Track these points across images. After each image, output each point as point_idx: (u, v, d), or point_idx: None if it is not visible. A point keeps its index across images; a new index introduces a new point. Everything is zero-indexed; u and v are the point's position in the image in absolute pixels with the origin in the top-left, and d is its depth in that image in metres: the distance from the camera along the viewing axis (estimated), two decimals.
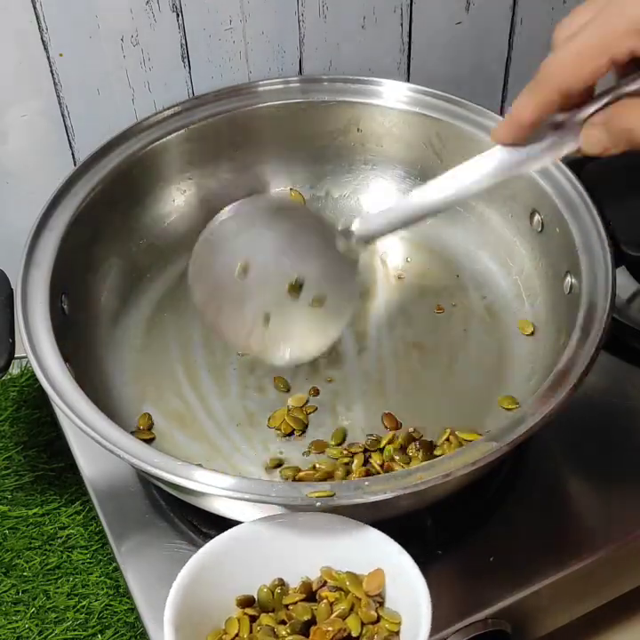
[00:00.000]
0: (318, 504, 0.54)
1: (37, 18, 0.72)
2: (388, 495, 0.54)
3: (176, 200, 0.80)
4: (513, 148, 0.53)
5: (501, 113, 0.84)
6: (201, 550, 0.56)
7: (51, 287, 0.66)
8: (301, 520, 0.56)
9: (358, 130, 0.81)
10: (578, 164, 0.79)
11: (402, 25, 0.87)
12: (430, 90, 0.78)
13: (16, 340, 0.64)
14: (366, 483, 0.55)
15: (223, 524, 0.65)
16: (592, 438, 0.71)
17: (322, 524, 0.56)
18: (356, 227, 0.61)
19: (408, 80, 0.91)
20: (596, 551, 0.65)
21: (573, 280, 0.68)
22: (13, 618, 0.72)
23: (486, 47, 0.92)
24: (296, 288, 0.64)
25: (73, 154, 0.81)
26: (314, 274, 0.64)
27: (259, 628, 0.55)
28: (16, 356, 0.64)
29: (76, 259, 0.71)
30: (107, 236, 0.75)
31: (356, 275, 0.64)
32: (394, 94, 0.79)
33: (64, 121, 0.79)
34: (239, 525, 0.57)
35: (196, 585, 0.54)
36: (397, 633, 0.54)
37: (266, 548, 0.57)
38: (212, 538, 0.60)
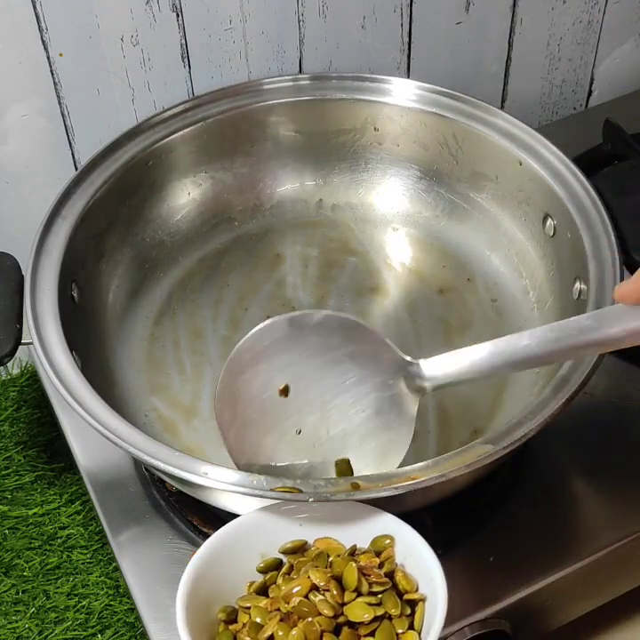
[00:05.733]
0: (311, 499, 0.54)
1: (37, 18, 0.72)
2: (380, 494, 0.54)
3: (191, 193, 0.80)
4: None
5: None
6: (216, 533, 0.55)
7: (61, 275, 0.66)
8: (315, 507, 0.56)
9: (375, 128, 0.81)
10: (591, 167, 0.79)
11: (402, 25, 0.86)
12: (447, 90, 0.78)
13: (23, 326, 0.64)
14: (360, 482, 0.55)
15: (223, 523, 0.65)
16: (592, 438, 0.71)
17: (340, 510, 0.55)
18: (426, 367, 0.56)
19: None
20: (596, 551, 0.65)
21: (582, 286, 0.67)
22: (13, 618, 0.72)
23: (486, 47, 0.92)
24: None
25: (73, 154, 0.81)
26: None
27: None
28: (23, 341, 0.63)
29: (88, 247, 0.71)
30: (120, 227, 0.75)
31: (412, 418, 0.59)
32: (406, 93, 0.79)
33: (64, 121, 0.79)
34: (252, 511, 0.57)
35: (208, 568, 0.54)
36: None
37: (273, 534, 0.56)
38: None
